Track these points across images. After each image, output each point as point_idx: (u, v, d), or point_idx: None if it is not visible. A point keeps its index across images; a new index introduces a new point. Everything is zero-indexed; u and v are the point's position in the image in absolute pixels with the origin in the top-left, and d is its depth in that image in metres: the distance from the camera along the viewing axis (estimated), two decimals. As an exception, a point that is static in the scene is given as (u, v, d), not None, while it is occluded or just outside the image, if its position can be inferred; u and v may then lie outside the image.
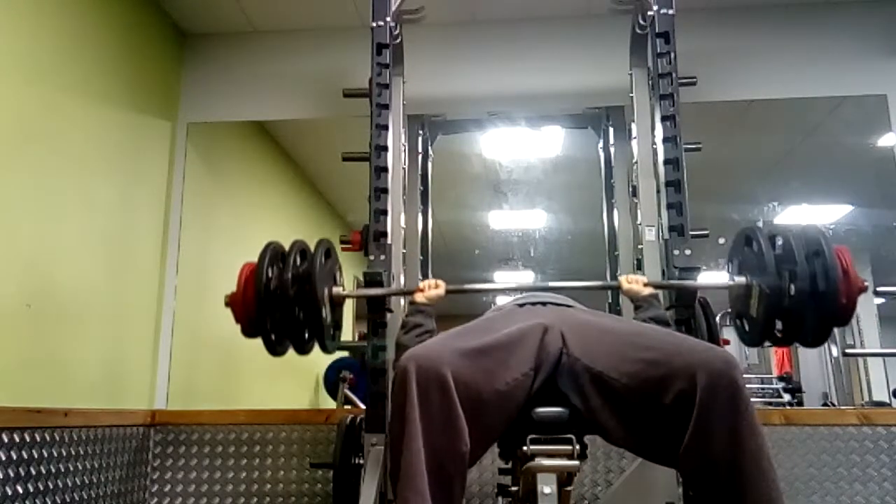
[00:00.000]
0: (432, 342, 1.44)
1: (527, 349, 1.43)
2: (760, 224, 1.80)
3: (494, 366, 1.38)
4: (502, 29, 2.97)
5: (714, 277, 2.05)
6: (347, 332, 3.27)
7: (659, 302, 1.91)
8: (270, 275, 1.72)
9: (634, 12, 2.26)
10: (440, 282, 1.93)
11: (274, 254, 1.76)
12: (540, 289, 1.93)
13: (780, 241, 1.70)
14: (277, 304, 1.71)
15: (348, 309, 2.66)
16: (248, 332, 1.75)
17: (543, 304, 1.72)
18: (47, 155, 2.18)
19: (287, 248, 1.79)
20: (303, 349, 1.83)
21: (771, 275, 1.65)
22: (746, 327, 1.81)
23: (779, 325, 1.72)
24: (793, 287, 1.63)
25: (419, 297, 1.89)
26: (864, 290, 1.63)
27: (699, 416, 1.27)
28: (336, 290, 1.84)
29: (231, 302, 1.74)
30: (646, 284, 1.91)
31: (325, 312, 1.77)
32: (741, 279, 1.78)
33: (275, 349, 1.79)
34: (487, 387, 1.35)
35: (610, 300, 2.71)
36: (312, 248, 1.80)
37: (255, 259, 1.73)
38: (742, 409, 1.26)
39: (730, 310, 1.89)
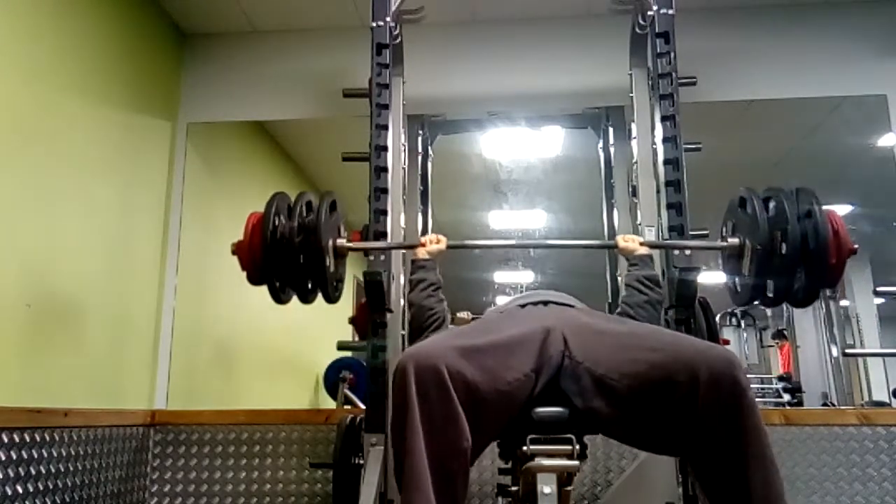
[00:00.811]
0: (431, 341, 1.44)
1: (528, 351, 1.43)
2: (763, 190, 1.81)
3: (495, 365, 1.38)
4: (502, 29, 2.97)
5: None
6: (347, 332, 3.28)
7: (652, 262, 1.98)
8: (277, 223, 1.77)
9: (634, 12, 2.26)
10: (441, 237, 1.99)
11: (281, 203, 1.81)
12: (542, 245, 1.93)
13: (773, 203, 1.74)
14: (283, 251, 1.76)
15: (348, 309, 2.67)
16: (254, 278, 1.79)
17: (545, 303, 1.71)
18: (47, 155, 2.18)
19: (293, 199, 1.83)
20: (306, 298, 1.87)
21: (763, 234, 1.70)
22: (738, 288, 1.86)
23: (770, 287, 1.76)
24: (784, 246, 1.67)
25: (421, 252, 1.96)
26: (853, 251, 1.67)
27: (702, 416, 1.27)
28: (340, 241, 1.89)
29: (237, 249, 1.79)
30: (641, 244, 1.98)
31: (329, 261, 1.81)
32: (734, 240, 1.82)
33: (279, 297, 1.83)
34: (488, 386, 1.35)
35: (610, 300, 2.71)
36: (318, 200, 1.85)
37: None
38: (745, 408, 1.26)
39: (723, 268, 1.93)
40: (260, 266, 1.77)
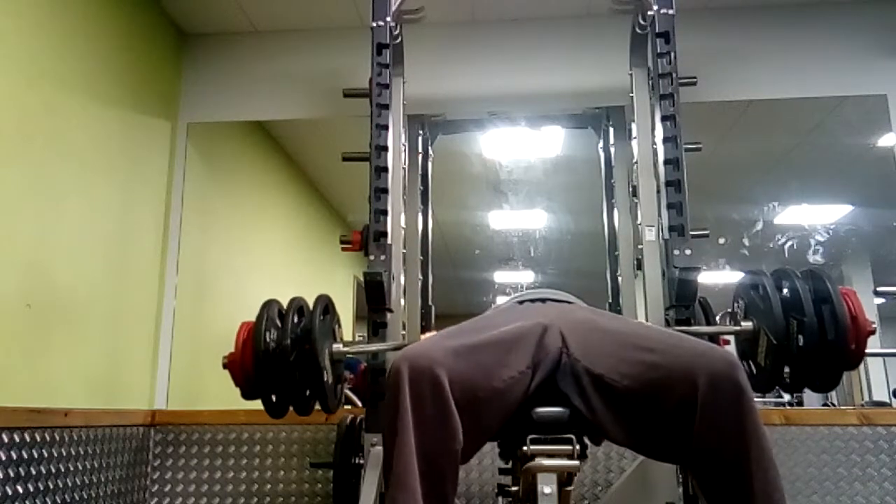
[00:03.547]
0: (427, 341, 1.43)
1: (524, 347, 1.43)
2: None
3: (491, 363, 1.38)
4: (502, 29, 2.97)
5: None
6: (347, 332, 3.28)
7: None
8: (269, 338, 1.72)
9: (634, 12, 2.26)
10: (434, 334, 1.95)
11: (271, 312, 1.77)
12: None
13: (786, 288, 1.69)
14: (277, 366, 1.71)
15: (348, 308, 2.67)
16: (248, 394, 1.75)
17: (543, 300, 1.71)
18: (47, 155, 2.18)
19: (286, 305, 1.80)
20: (305, 410, 1.82)
21: (779, 325, 1.65)
22: (754, 371, 1.81)
23: (786, 369, 1.72)
24: (801, 338, 1.62)
25: None
26: (872, 333, 1.63)
27: (701, 417, 1.26)
28: (336, 346, 1.86)
29: (229, 364, 1.73)
30: None
31: (327, 376, 1.77)
32: (748, 324, 1.78)
33: (276, 412, 1.78)
34: (483, 384, 1.35)
35: (610, 300, 2.71)
36: (311, 304, 1.80)
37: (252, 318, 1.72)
38: (745, 410, 1.25)
39: (736, 349, 1.89)
40: (254, 381, 1.72)
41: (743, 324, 1.80)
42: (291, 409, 1.82)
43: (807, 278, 1.68)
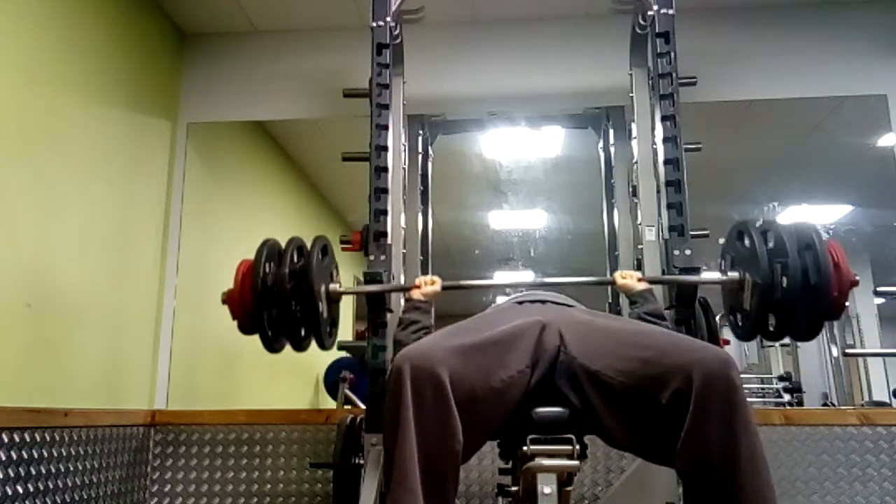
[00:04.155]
0: (427, 341, 1.44)
1: (523, 346, 1.44)
2: (759, 223, 1.81)
3: (490, 362, 1.38)
4: (502, 29, 2.97)
5: (713, 276, 2.06)
6: (347, 332, 3.28)
7: (653, 297, 1.93)
8: (267, 271, 1.73)
9: (634, 12, 2.26)
10: (436, 278, 1.95)
11: (271, 250, 1.77)
12: (537, 285, 1.94)
13: (772, 236, 1.72)
14: (274, 300, 1.72)
15: (348, 308, 2.67)
16: (245, 328, 1.76)
17: (542, 302, 1.72)
18: (47, 155, 2.18)
19: (284, 245, 1.79)
20: (300, 346, 1.84)
21: (763, 268, 1.68)
22: (740, 322, 1.84)
23: (771, 319, 1.74)
24: (785, 280, 1.65)
25: (416, 294, 1.91)
26: (855, 283, 1.65)
27: (694, 413, 1.27)
28: (333, 286, 1.86)
29: (228, 299, 1.75)
30: (640, 280, 1.95)
31: (322, 308, 1.78)
32: (734, 274, 1.80)
33: (272, 346, 1.79)
34: (482, 384, 1.35)
35: (610, 300, 2.71)
36: (309, 245, 1.80)
37: (252, 256, 1.73)
38: (737, 408, 1.26)
39: (723, 302, 1.91)
40: (251, 317, 1.72)
41: (730, 273, 1.82)
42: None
43: (792, 228, 1.71)
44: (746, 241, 1.76)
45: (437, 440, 1.28)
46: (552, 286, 1.94)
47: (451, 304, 1.98)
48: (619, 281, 1.97)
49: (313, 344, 1.87)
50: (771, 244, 1.71)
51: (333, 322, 1.91)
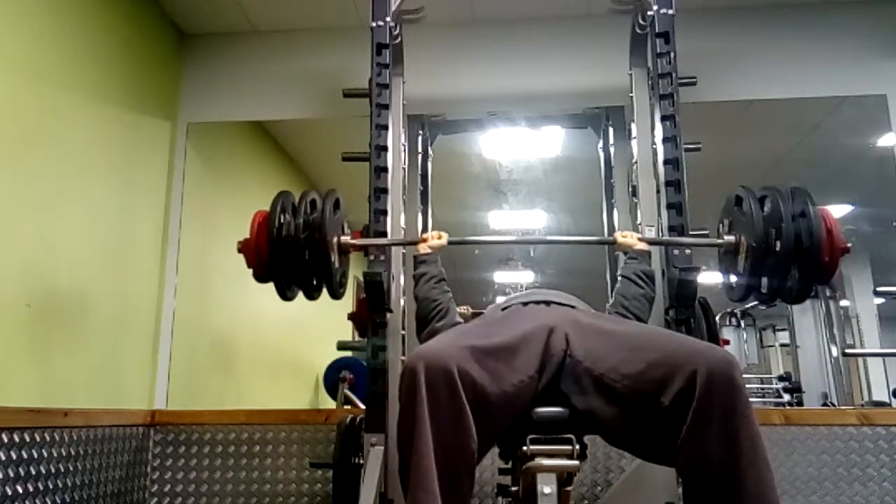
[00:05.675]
0: (439, 340, 1.44)
1: (532, 351, 1.44)
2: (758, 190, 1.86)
3: (501, 367, 1.38)
4: (502, 29, 2.97)
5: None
6: (347, 332, 3.28)
7: (649, 258, 2.00)
8: (282, 221, 1.81)
9: (634, 12, 2.26)
10: (443, 233, 2.03)
11: (285, 202, 1.85)
12: (538, 241, 1.98)
13: (768, 202, 1.77)
14: (288, 249, 1.80)
15: (348, 308, 2.67)
16: (260, 276, 1.83)
17: (547, 303, 1.72)
18: (47, 155, 2.18)
19: (297, 197, 1.87)
20: (311, 295, 1.90)
21: (758, 231, 1.74)
22: (733, 284, 1.90)
23: (764, 282, 1.81)
24: (778, 244, 1.71)
25: (422, 248, 1.99)
26: (846, 250, 1.73)
27: (696, 412, 1.27)
28: (344, 238, 1.92)
29: (244, 248, 1.82)
30: (639, 240, 2.01)
31: (334, 259, 1.85)
32: (730, 237, 1.87)
33: (285, 294, 1.87)
34: (494, 388, 1.35)
35: (610, 300, 2.70)
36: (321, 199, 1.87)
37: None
38: (740, 407, 1.26)
39: (719, 265, 1.97)
40: (266, 264, 1.79)
41: (726, 237, 1.88)
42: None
43: (788, 194, 1.77)
44: (744, 206, 1.81)
45: (453, 438, 1.28)
46: (554, 243, 1.94)
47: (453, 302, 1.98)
48: (620, 239, 2.02)
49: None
50: (767, 210, 1.77)
51: (344, 273, 1.97)
